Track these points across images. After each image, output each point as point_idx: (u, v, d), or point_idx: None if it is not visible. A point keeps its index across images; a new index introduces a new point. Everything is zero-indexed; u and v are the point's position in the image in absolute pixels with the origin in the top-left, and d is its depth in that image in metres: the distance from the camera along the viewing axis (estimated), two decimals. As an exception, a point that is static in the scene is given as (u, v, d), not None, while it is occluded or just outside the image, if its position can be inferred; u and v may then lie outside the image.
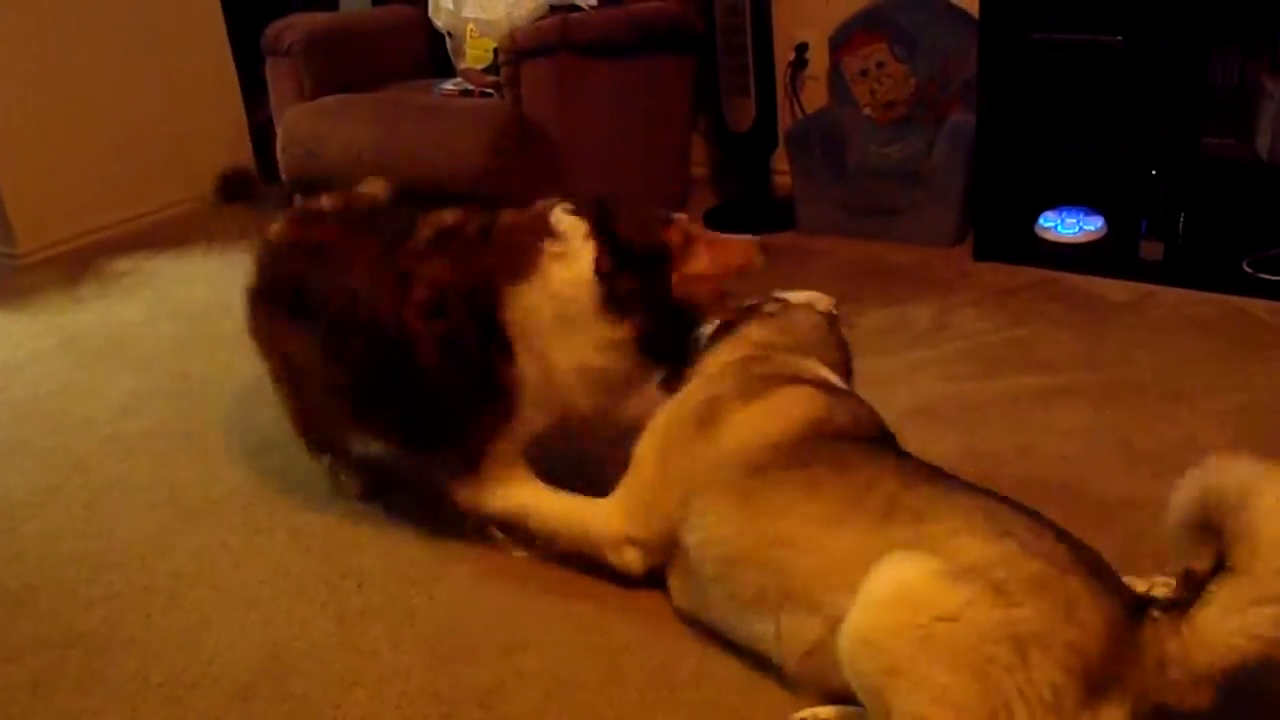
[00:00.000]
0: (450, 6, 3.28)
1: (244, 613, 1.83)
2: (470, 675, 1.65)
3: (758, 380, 1.70)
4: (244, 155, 4.13)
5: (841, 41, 3.36)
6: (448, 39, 3.38)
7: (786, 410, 1.63)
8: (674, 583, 1.70)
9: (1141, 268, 2.87)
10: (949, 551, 1.32)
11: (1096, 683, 1.24)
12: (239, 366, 2.74)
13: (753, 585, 1.52)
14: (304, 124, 3.11)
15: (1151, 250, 2.89)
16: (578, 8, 3.05)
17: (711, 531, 1.58)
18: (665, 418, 1.73)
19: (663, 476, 1.68)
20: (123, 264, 3.53)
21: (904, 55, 3.28)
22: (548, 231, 1.78)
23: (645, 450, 1.72)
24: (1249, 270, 2.76)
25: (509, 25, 3.00)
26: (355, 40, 3.37)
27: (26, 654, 1.77)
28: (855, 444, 1.59)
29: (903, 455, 1.61)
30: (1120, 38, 2.78)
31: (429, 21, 3.41)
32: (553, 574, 1.86)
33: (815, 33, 3.51)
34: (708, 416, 1.66)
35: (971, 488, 1.48)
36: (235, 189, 3.93)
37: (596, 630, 1.72)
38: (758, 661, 1.57)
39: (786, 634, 1.48)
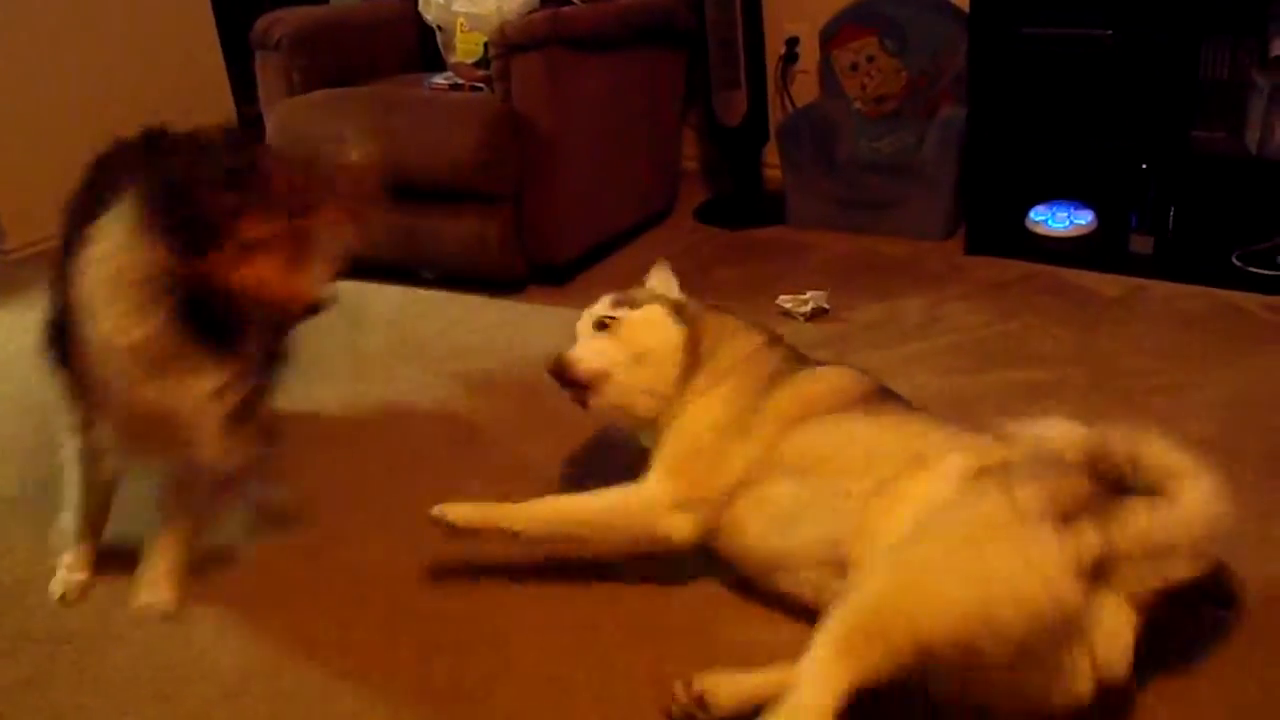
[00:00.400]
0: (441, 0, 3.27)
1: (235, 610, 1.83)
2: (460, 671, 1.65)
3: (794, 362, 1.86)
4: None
5: (832, 35, 3.36)
6: (438, 33, 3.37)
7: (838, 380, 1.80)
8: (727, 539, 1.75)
9: (1132, 261, 2.88)
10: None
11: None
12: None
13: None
14: (293, 118, 3.09)
15: (1142, 244, 2.90)
16: (568, 2, 3.04)
17: (768, 495, 1.68)
18: (717, 401, 1.79)
19: (719, 451, 1.74)
20: (112, 259, 3.50)
21: (894, 49, 3.28)
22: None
23: (692, 431, 1.78)
24: (1239, 264, 2.77)
25: (499, 19, 2.99)
26: (345, 34, 3.35)
27: (18, 650, 1.76)
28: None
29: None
30: (1110, 31, 2.79)
31: (419, 15, 3.40)
32: (545, 574, 1.86)
33: (806, 26, 3.51)
34: (764, 390, 1.77)
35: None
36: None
37: (588, 629, 1.72)
38: (751, 660, 1.57)
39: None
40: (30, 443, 2.43)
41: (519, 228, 2.92)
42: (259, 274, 1.54)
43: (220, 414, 1.64)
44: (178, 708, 1.62)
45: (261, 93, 3.31)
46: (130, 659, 1.72)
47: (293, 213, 1.56)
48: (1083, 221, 3.04)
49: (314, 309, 1.62)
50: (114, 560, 1.98)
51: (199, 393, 1.61)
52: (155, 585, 1.85)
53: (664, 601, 1.77)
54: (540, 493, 1.80)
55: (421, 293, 3.07)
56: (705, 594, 1.78)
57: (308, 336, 1.84)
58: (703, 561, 1.80)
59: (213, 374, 1.61)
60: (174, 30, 3.96)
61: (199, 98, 4.04)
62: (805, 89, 3.59)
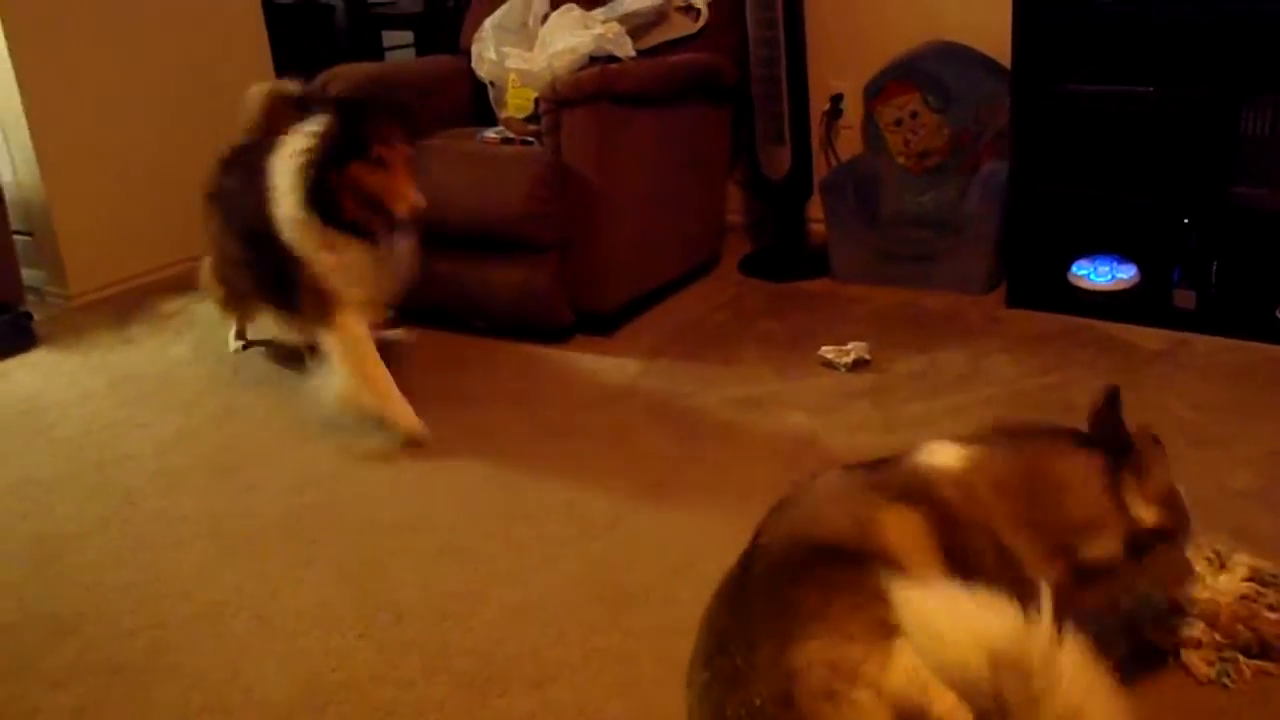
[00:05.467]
0: (493, 57, 3.37)
1: (283, 643, 1.88)
2: (502, 707, 1.68)
3: None
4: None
5: (876, 92, 3.41)
6: (490, 88, 3.47)
7: None
8: None
9: (1174, 316, 2.88)
10: None
11: None
12: (281, 405, 2.83)
13: None
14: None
15: (1184, 299, 2.90)
16: (616, 59, 3.12)
17: None
18: None
19: None
20: (172, 305, 3.62)
21: (937, 105, 3.32)
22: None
23: None
24: (1282, 319, 2.77)
25: (550, 75, 3.08)
26: (399, 89, 3.44)
27: (72, 680, 1.82)
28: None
29: None
30: (1152, 89, 2.81)
31: (472, 72, 3.50)
32: (586, 609, 1.89)
33: (850, 83, 3.56)
34: None
35: None
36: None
37: (627, 665, 1.75)
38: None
39: None
40: (88, 481, 2.51)
41: (566, 277, 2.98)
42: (383, 180, 2.44)
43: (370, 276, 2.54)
44: (226, 738, 1.67)
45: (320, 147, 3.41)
46: (181, 690, 1.78)
47: (391, 144, 2.45)
48: (1125, 276, 3.04)
49: (414, 211, 2.47)
50: (159, 593, 2.05)
51: (352, 258, 2.49)
52: (404, 417, 2.56)
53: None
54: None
55: (473, 340, 3.13)
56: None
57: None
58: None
59: (358, 248, 2.49)
60: (236, 86, 4.08)
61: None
62: (850, 144, 3.64)
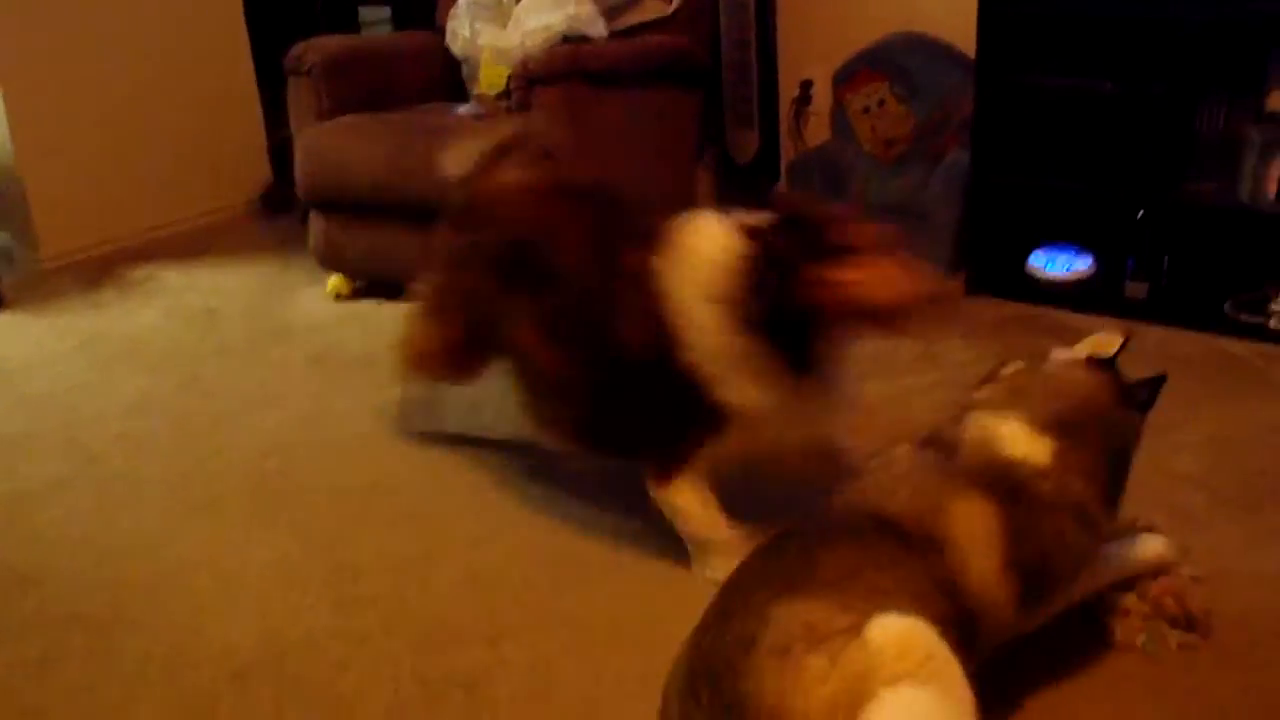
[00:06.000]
0: (467, 34, 3.40)
1: (244, 600, 1.92)
2: (456, 661, 1.73)
3: None
4: (263, 172, 4.26)
5: (845, 79, 3.46)
6: (464, 65, 3.50)
7: None
8: None
9: (1127, 306, 2.95)
10: None
11: None
12: (248, 371, 2.86)
13: None
14: (321, 142, 3.21)
15: (1136, 290, 2.97)
16: (589, 39, 3.16)
17: None
18: None
19: None
20: (141, 272, 3.64)
21: (904, 95, 3.37)
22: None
23: None
24: (1230, 311, 2.84)
25: (523, 53, 3.11)
26: (374, 63, 3.48)
27: (33, 632, 1.86)
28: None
29: None
30: (1111, 84, 2.88)
31: (446, 48, 3.53)
32: (540, 571, 1.94)
33: (820, 70, 3.61)
34: None
35: None
36: (278, 202, 4.10)
37: (581, 626, 1.80)
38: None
39: None
40: (54, 440, 2.54)
41: (533, 253, 3.01)
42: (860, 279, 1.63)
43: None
44: (186, 689, 1.71)
45: (292, 117, 3.43)
46: (142, 644, 1.81)
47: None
48: (1081, 266, 3.11)
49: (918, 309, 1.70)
50: (121, 550, 2.08)
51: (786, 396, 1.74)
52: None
53: (658, 600, 1.84)
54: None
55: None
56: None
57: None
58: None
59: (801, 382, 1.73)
60: (211, 56, 4.11)
61: (232, 121, 4.19)
62: (818, 131, 3.69)
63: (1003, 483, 1.46)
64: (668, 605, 1.83)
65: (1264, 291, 2.82)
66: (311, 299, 3.35)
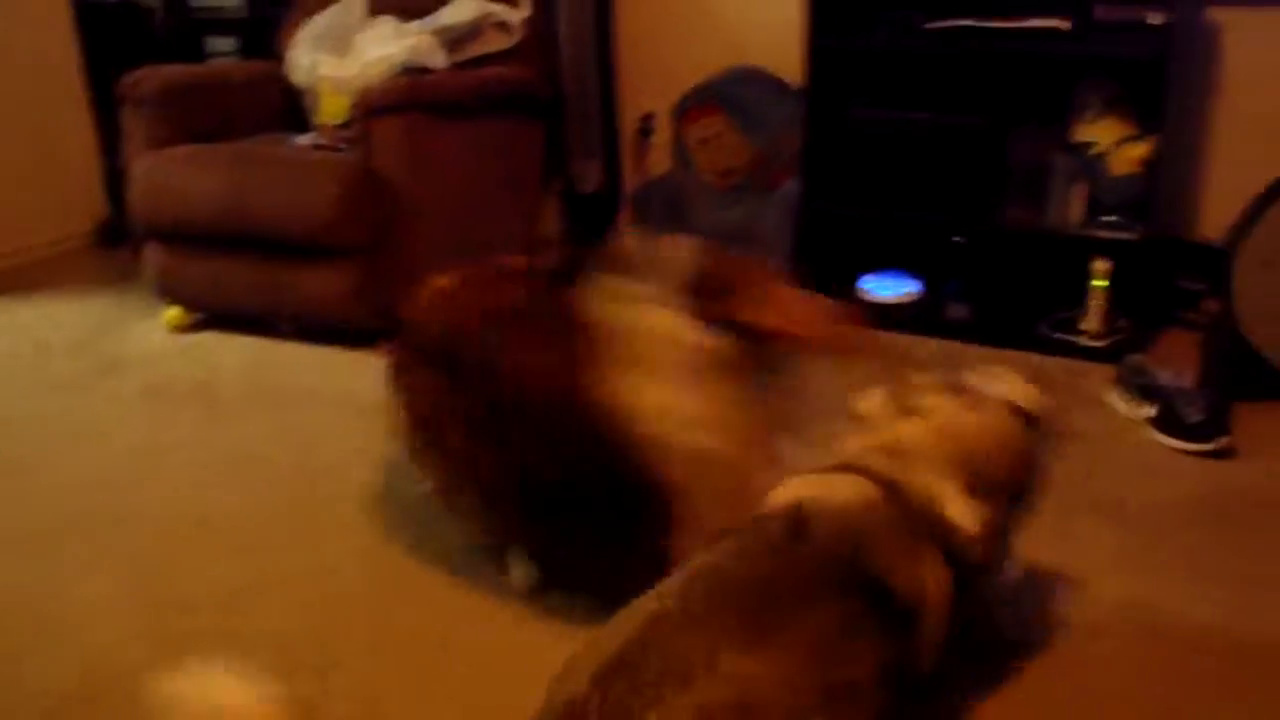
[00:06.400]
0: (307, 64, 3.39)
1: (65, 639, 1.86)
2: (286, 692, 1.72)
3: None
4: (99, 204, 4.16)
5: (683, 112, 3.57)
6: (305, 95, 3.48)
7: None
8: None
9: (950, 327, 3.10)
10: None
11: None
12: (78, 405, 2.79)
13: None
14: (157, 172, 3.16)
15: (958, 311, 3.13)
16: (430, 70, 3.19)
17: None
18: None
19: None
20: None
21: (741, 126, 3.49)
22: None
23: None
24: (1043, 331, 3.01)
25: (363, 83, 3.12)
26: (211, 92, 3.43)
27: None
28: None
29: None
30: (928, 115, 3.04)
31: (287, 77, 3.51)
32: (377, 601, 1.95)
33: (660, 102, 3.71)
34: None
35: None
36: (115, 233, 3.99)
37: (411, 650, 1.81)
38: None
39: None
40: None
41: (373, 282, 3.02)
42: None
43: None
44: (-4, 730, 1.66)
45: (127, 146, 3.36)
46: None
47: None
48: (907, 290, 3.26)
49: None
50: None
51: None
52: None
53: (490, 619, 1.86)
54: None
55: (277, 344, 3.14)
56: (531, 612, 1.88)
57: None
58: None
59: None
60: (40, 82, 4.00)
61: (65, 150, 4.08)
62: (660, 161, 3.79)
63: (950, 547, 1.42)
64: (498, 624, 1.86)
65: (1073, 312, 3.00)
66: (147, 331, 3.28)
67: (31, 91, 3.96)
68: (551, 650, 1.75)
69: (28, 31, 3.97)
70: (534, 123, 3.53)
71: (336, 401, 2.77)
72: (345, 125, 3.21)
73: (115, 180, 3.86)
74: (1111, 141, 2.90)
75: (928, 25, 2.99)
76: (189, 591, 1.99)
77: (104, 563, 2.09)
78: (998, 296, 3.14)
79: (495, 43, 3.39)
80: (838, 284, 3.31)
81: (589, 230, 3.71)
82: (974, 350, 3.00)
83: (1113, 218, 2.93)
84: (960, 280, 3.13)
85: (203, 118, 3.36)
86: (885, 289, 3.27)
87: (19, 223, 3.94)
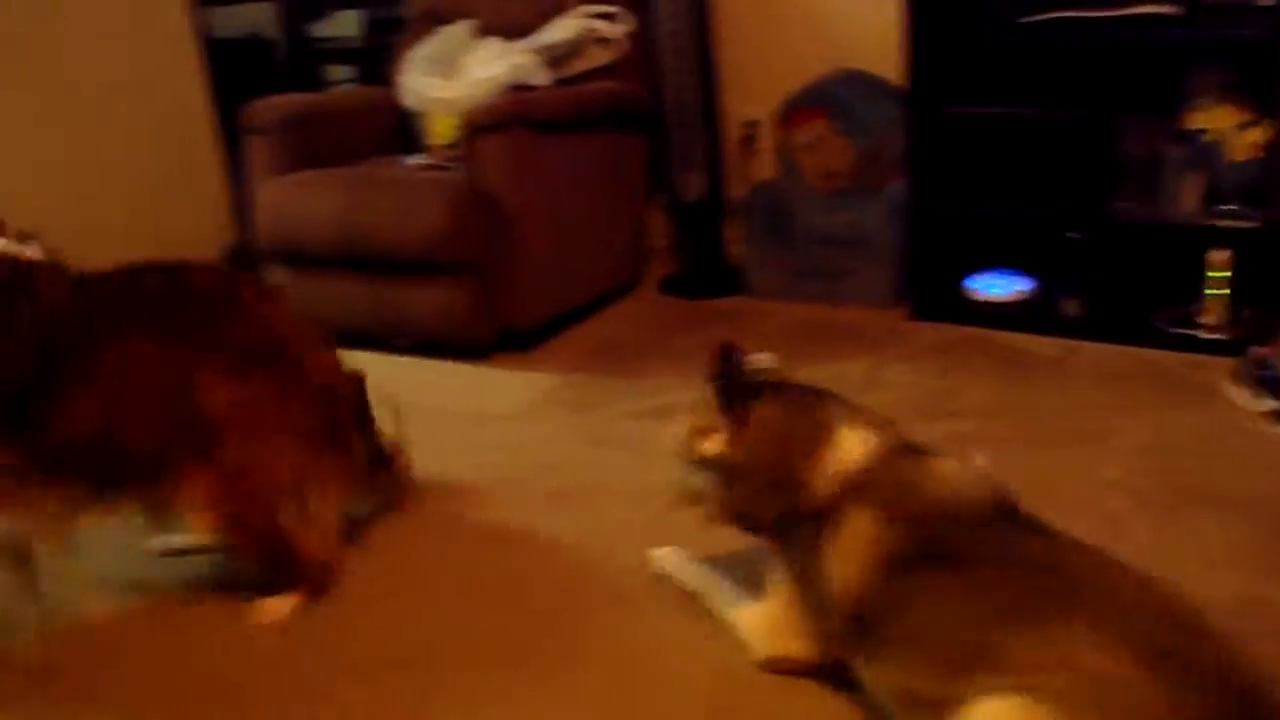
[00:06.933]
0: (417, 88, 3.51)
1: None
2: (386, 687, 1.79)
3: (823, 522, 1.61)
4: (229, 229, 4.36)
5: (786, 117, 3.57)
6: (416, 118, 3.60)
7: (855, 557, 1.55)
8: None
9: (1063, 324, 3.05)
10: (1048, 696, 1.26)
11: None
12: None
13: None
14: (279, 196, 3.30)
15: (1071, 308, 3.07)
16: (532, 87, 3.27)
17: (867, 681, 1.57)
18: (784, 565, 1.71)
19: (800, 618, 1.68)
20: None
21: (844, 129, 3.48)
22: None
23: (775, 585, 1.73)
24: (1159, 324, 2.93)
25: (469, 104, 3.21)
26: (329, 119, 3.58)
27: None
28: (940, 567, 1.48)
29: (1006, 552, 1.48)
30: (1034, 110, 2.99)
31: (399, 102, 3.64)
32: (489, 602, 2.01)
33: (763, 110, 3.73)
34: (807, 573, 1.64)
35: (1092, 600, 1.36)
36: (243, 259, 4.18)
37: (521, 648, 1.86)
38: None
39: None
40: None
41: (485, 296, 3.10)
42: None
43: None
44: None
45: (252, 173, 3.53)
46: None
47: None
48: (1018, 288, 3.21)
49: None
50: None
51: None
52: None
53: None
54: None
55: (394, 359, 3.24)
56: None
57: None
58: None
59: None
60: (172, 116, 4.22)
61: (196, 180, 4.29)
62: (765, 168, 3.80)
63: None
64: (605, 623, 1.90)
65: (1189, 304, 2.92)
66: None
67: (165, 124, 4.18)
68: (667, 649, 1.80)
69: (161, 68, 4.18)
70: (637, 135, 3.58)
71: (450, 415, 2.86)
72: (453, 145, 3.31)
73: (243, 206, 4.04)
74: (1227, 128, 2.81)
75: (1026, 19, 2.95)
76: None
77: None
78: (1112, 291, 3.07)
79: (597, 58, 3.46)
80: (947, 282, 3.28)
81: (694, 239, 3.74)
82: (1088, 346, 2.95)
83: (1232, 206, 2.84)
84: (1071, 275, 3.07)
85: (321, 143, 3.50)
86: (996, 287, 3.23)
87: (154, 250, 4.14)
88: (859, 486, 1.59)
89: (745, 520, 1.76)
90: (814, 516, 1.62)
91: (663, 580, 2.00)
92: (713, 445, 1.73)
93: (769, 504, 1.69)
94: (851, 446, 1.64)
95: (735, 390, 1.72)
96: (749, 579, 1.88)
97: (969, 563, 1.47)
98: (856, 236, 3.38)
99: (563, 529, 2.24)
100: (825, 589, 1.59)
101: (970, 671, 1.34)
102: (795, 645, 1.69)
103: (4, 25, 3.73)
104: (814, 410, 1.70)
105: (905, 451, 1.65)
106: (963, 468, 1.62)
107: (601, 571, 2.07)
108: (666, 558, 2.02)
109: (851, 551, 1.55)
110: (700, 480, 1.79)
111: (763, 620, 1.75)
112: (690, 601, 1.92)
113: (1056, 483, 2.24)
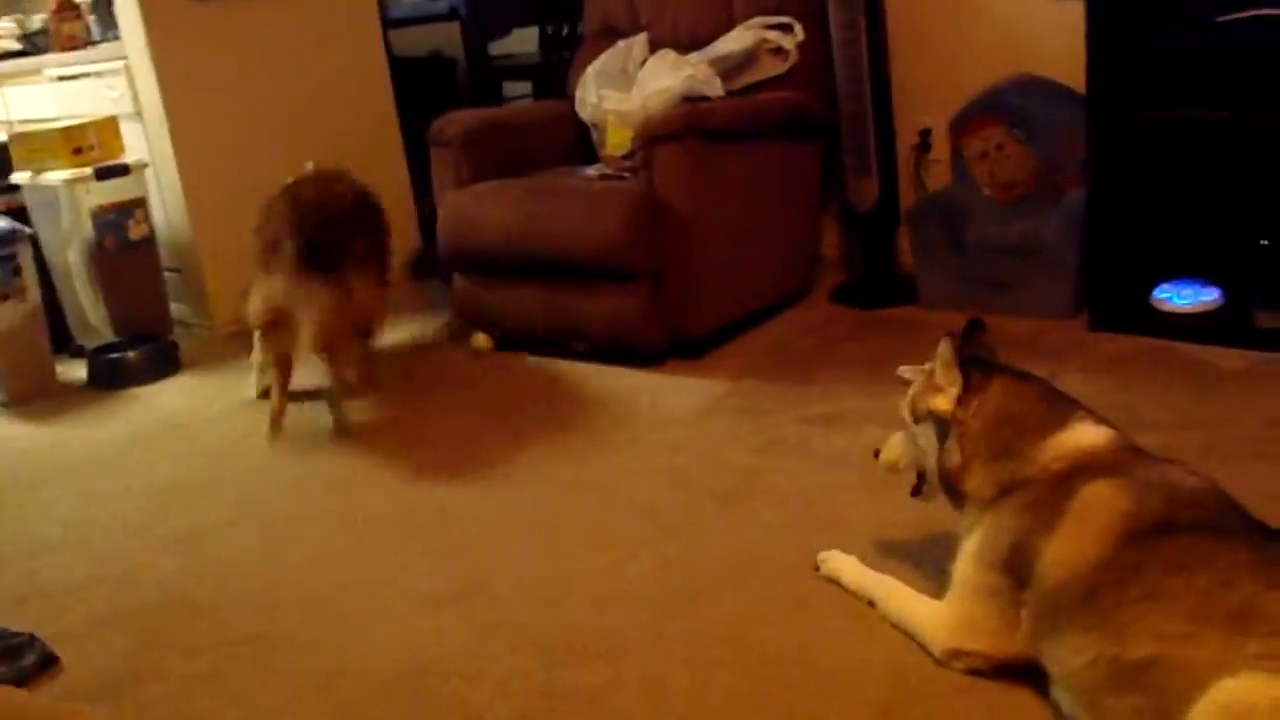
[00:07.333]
0: (594, 100, 3.61)
1: (389, 622, 2.09)
2: (579, 677, 1.86)
3: (1049, 493, 1.63)
4: (412, 239, 4.56)
5: (961, 125, 3.53)
6: (592, 130, 3.71)
7: (1093, 525, 1.55)
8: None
9: (1257, 336, 2.92)
10: None
11: None
12: (398, 418, 3.08)
13: (1125, 713, 1.42)
14: (460, 207, 3.45)
15: (1267, 320, 2.93)
16: (707, 98, 3.32)
17: (1067, 665, 1.53)
18: (978, 550, 1.71)
19: (990, 610, 1.68)
20: (302, 335, 3.94)
21: (1023, 136, 3.42)
22: None
23: (964, 577, 1.74)
24: (1362, 337, 2.79)
25: (645, 114, 3.29)
26: (509, 132, 3.72)
27: (203, 650, 2.07)
28: (1194, 533, 1.48)
29: (1257, 534, 1.48)
30: (1227, 113, 2.88)
31: (576, 114, 3.75)
32: (660, 599, 2.06)
33: (938, 118, 3.69)
34: (1015, 562, 1.63)
35: None
36: (426, 267, 4.38)
37: (693, 644, 1.91)
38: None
39: None
40: (225, 484, 2.80)
41: (659, 304, 3.17)
42: None
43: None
44: (338, 699, 1.88)
45: (435, 185, 3.69)
46: (298, 659, 2.00)
47: None
48: (1207, 298, 3.09)
49: None
50: (281, 579, 2.28)
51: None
52: None
53: (768, 619, 1.94)
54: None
55: (572, 364, 3.34)
56: (790, 617, 1.94)
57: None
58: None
59: None
60: (362, 132, 4.44)
61: (383, 192, 4.45)
62: (940, 177, 3.76)
63: None
64: (773, 624, 1.93)
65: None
66: (458, 354, 3.57)
67: (355, 140, 4.40)
68: (834, 651, 1.83)
69: (352, 87, 4.41)
70: (810, 144, 3.60)
71: (624, 419, 2.93)
72: (629, 155, 3.40)
73: (427, 218, 4.23)
74: None
75: (1221, 18, 2.84)
76: (496, 583, 2.17)
77: (423, 556, 2.32)
78: (1311, 302, 2.93)
79: (771, 68, 3.49)
80: (1130, 293, 3.19)
81: (867, 248, 3.73)
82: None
83: None
84: (1266, 286, 2.94)
85: (502, 156, 3.64)
86: (1183, 298, 3.11)
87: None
88: (1095, 466, 1.61)
89: (955, 490, 1.78)
90: (1036, 492, 1.64)
91: (831, 582, 2.02)
92: (943, 401, 1.78)
93: (988, 474, 1.72)
94: (1087, 432, 1.67)
95: (971, 356, 1.80)
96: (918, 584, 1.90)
97: (1223, 533, 1.46)
98: (1032, 245, 3.31)
99: (729, 529, 2.28)
100: (1031, 570, 1.59)
101: (1228, 631, 1.32)
102: (982, 639, 1.69)
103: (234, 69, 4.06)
104: (1053, 398, 1.76)
105: (1139, 451, 1.67)
106: (1193, 470, 1.62)
107: (769, 572, 2.10)
108: (836, 559, 2.03)
109: (1087, 521, 1.55)
110: (923, 439, 1.84)
111: (948, 613, 1.75)
112: (860, 604, 1.94)
113: (1252, 500, 2.15)
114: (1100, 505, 1.55)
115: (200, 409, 3.36)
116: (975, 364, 1.80)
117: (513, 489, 2.60)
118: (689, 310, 3.22)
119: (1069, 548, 1.55)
